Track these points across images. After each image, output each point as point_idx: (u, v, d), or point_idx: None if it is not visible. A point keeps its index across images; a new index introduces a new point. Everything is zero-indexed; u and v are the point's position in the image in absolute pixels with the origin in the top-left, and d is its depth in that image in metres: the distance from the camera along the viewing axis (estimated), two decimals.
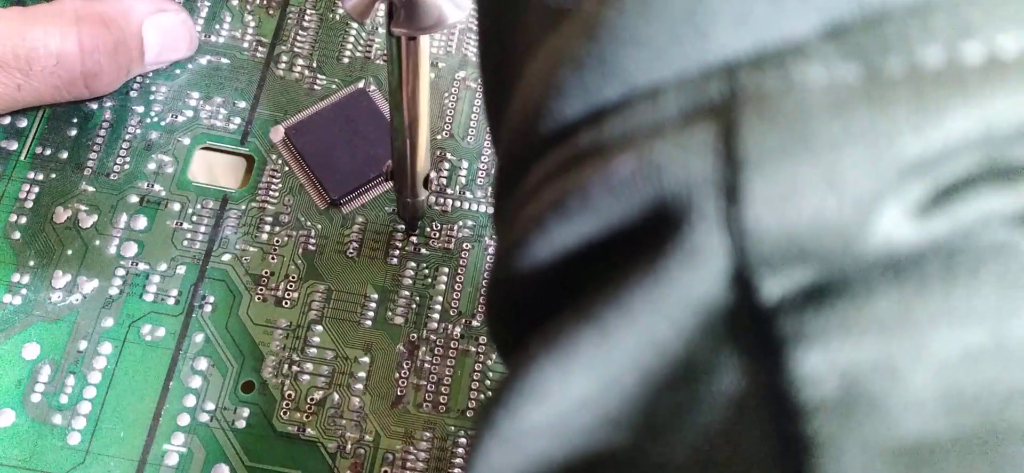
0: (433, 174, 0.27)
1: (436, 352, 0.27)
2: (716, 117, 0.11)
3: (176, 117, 0.30)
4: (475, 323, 0.28)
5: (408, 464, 0.26)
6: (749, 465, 0.10)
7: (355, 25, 0.32)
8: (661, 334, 0.11)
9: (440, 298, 0.28)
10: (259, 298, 0.28)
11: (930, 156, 0.10)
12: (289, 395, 0.26)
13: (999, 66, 0.10)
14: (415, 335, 0.27)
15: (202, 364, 0.27)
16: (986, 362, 0.10)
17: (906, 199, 0.10)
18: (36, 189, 0.29)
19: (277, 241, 0.29)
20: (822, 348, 0.10)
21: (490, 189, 0.17)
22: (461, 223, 0.29)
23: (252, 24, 0.32)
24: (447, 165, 0.30)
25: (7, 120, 0.30)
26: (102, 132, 0.30)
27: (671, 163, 0.11)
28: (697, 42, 0.11)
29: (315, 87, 0.31)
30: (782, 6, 0.11)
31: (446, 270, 0.29)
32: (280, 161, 0.30)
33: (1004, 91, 0.10)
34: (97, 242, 0.28)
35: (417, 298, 0.28)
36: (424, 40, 0.23)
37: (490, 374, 0.27)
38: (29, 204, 0.28)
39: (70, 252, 0.28)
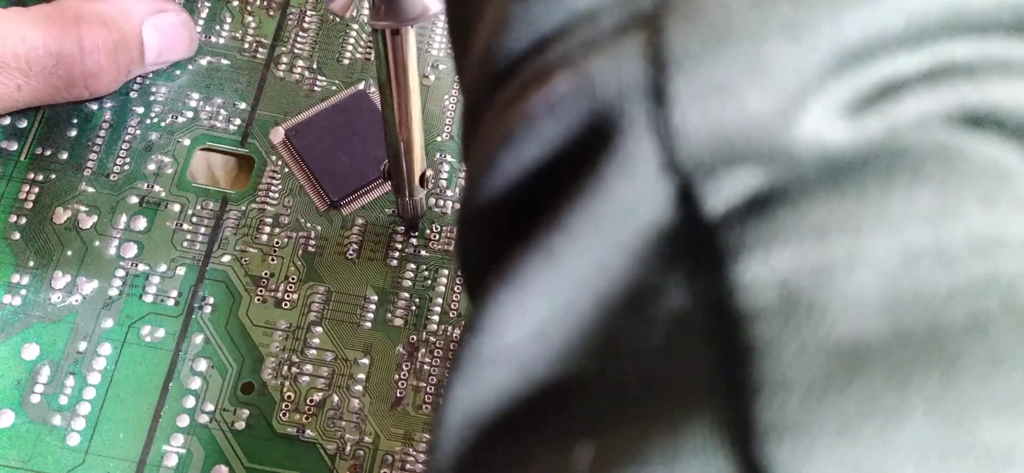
0: (429, 172, 0.27)
1: (436, 354, 0.27)
2: (645, 26, 0.11)
3: (176, 118, 0.30)
4: None
5: (407, 465, 0.26)
6: (696, 381, 0.10)
7: (355, 26, 0.32)
8: (607, 255, 0.11)
9: (440, 300, 0.28)
10: (259, 299, 0.28)
11: (853, 47, 0.10)
12: (289, 396, 0.26)
13: None
14: (415, 337, 0.27)
15: (202, 365, 0.27)
16: (926, 263, 0.10)
17: (834, 94, 0.10)
18: (36, 190, 0.29)
19: (277, 242, 0.29)
20: (762, 256, 0.10)
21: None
22: None
23: (252, 25, 0.32)
24: (447, 167, 0.30)
25: (7, 120, 0.30)
26: (102, 133, 0.30)
27: (603, 74, 0.11)
28: None
29: (315, 88, 0.31)
30: None
31: (446, 272, 0.29)
32: (280, 162, 0.30)
33: None
34: (97, 243, 0.28)
35: (417, 300, 0.28)
36: (410, 34, 0.22)
37: None
38: (29, 205, 0.28)
39: (70, 253, 0.28)
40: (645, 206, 0.11)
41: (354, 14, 0.32)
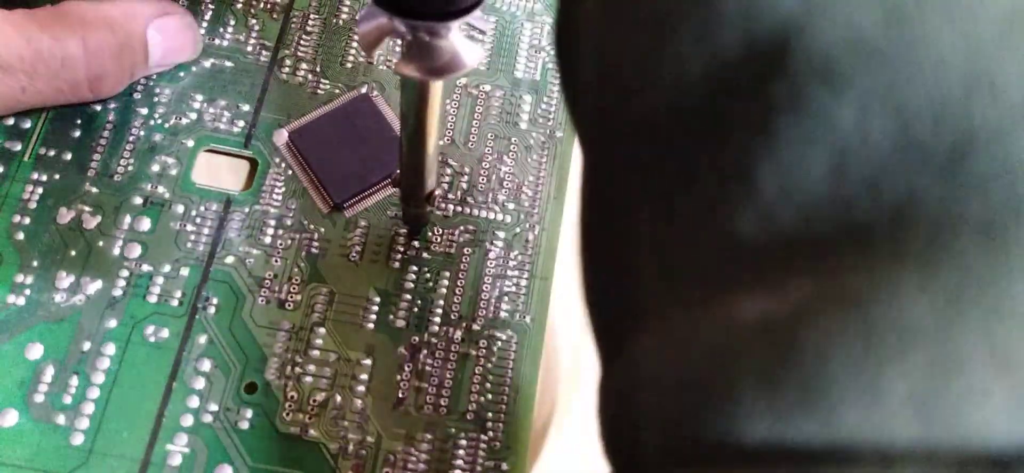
0: (437, 192, 0.27)
1: (437, 355, 0.28)
2: None
3: (180, 119, 0.30)
4: (475, 327, 0.28)
5: (409, 465, 0.26)
6: None
7: (357, 30, 0.33)
8: None
9: (441, 302, 0.28)
10: (262, 300, 0.28)
11: None
12: (292, 396, 0.27)
13: None
14: (416, 338, 0.28)
15: (205, 365, 0.27)
16: None
17: None
18: (40, 190, 0.29)
19: (280, 244, 0.29)
20: None
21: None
22: (462, 228, 0.30)
23: (256, 28, 0.32)
24: (449, 171, 0.30)
25: (11, 121, 0.30)
26: (106, 134, 0.30)
27: None
28: (947, 416, 0.08)
29: (318, 91, 0.31)
30: None
31: (447, 274, 0.29)
32: (283, 164, 0.30)
33: None
34: (101, 243, 0.28)
35: (418, 301, 0.28)
36: (437, 83, 0.22)
37: (490, 377, 0.27)
38: (33, 205, 0.29)
39: (74, 253, 0.28)
40: None
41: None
